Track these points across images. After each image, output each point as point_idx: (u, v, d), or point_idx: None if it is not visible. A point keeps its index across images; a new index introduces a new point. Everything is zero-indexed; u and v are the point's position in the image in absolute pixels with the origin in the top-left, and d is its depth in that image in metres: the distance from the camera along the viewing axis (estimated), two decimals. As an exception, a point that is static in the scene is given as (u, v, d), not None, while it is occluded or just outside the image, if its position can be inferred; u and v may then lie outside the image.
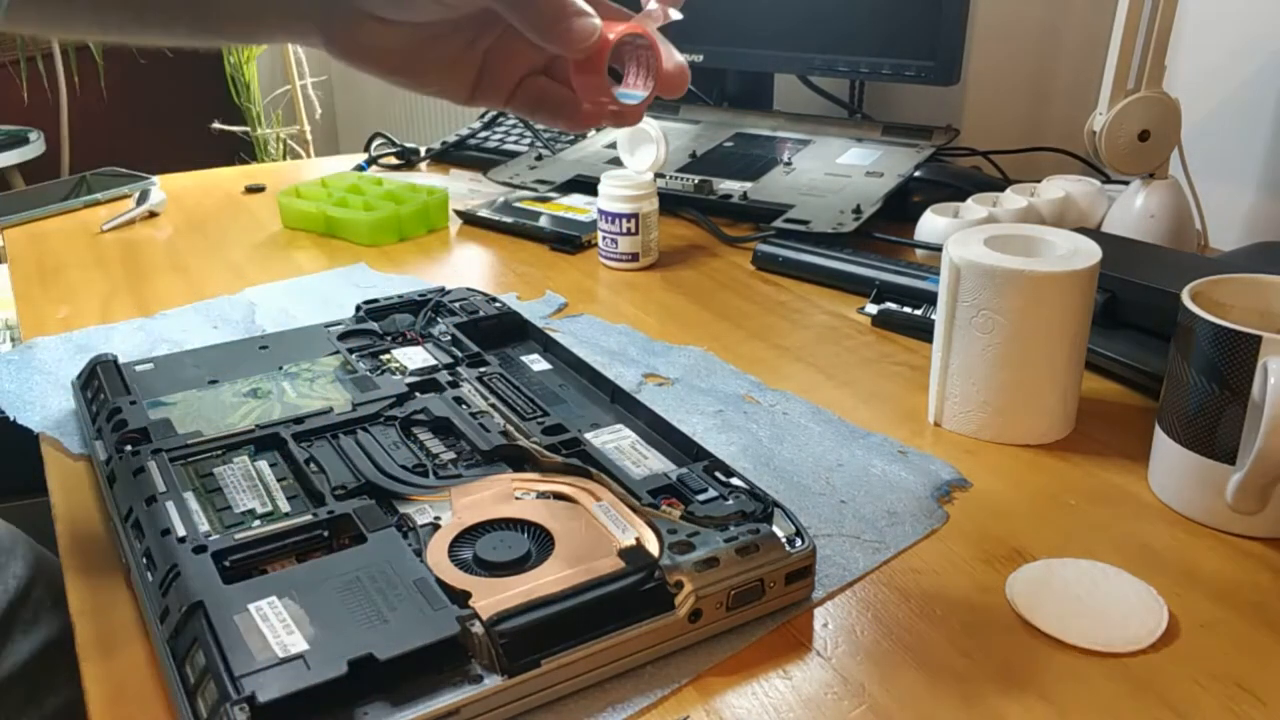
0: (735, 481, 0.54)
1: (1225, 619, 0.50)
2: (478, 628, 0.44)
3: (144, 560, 0.50)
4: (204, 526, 0.52)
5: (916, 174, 1.04)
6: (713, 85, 1.31)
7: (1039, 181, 0.98)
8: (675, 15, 0.49)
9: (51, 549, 0.63)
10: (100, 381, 0.67)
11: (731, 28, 1.14)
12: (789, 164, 1.11)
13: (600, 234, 0.95)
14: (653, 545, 0.49)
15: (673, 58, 0.49)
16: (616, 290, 0.90)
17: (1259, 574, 0.53)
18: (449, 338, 0.73)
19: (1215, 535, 0.56)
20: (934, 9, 1.01)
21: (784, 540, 0.50)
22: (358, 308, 0.78)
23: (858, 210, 0.98)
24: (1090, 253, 0.63)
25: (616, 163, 1.09)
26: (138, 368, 0.69)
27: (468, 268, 0.97)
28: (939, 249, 0.81)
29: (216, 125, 2.99)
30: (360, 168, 1.28)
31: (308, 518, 0.52)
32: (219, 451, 0.59)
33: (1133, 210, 0.89)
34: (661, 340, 0.80)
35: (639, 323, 0.84)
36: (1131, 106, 0.86)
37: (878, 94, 1.32)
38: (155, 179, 1.20)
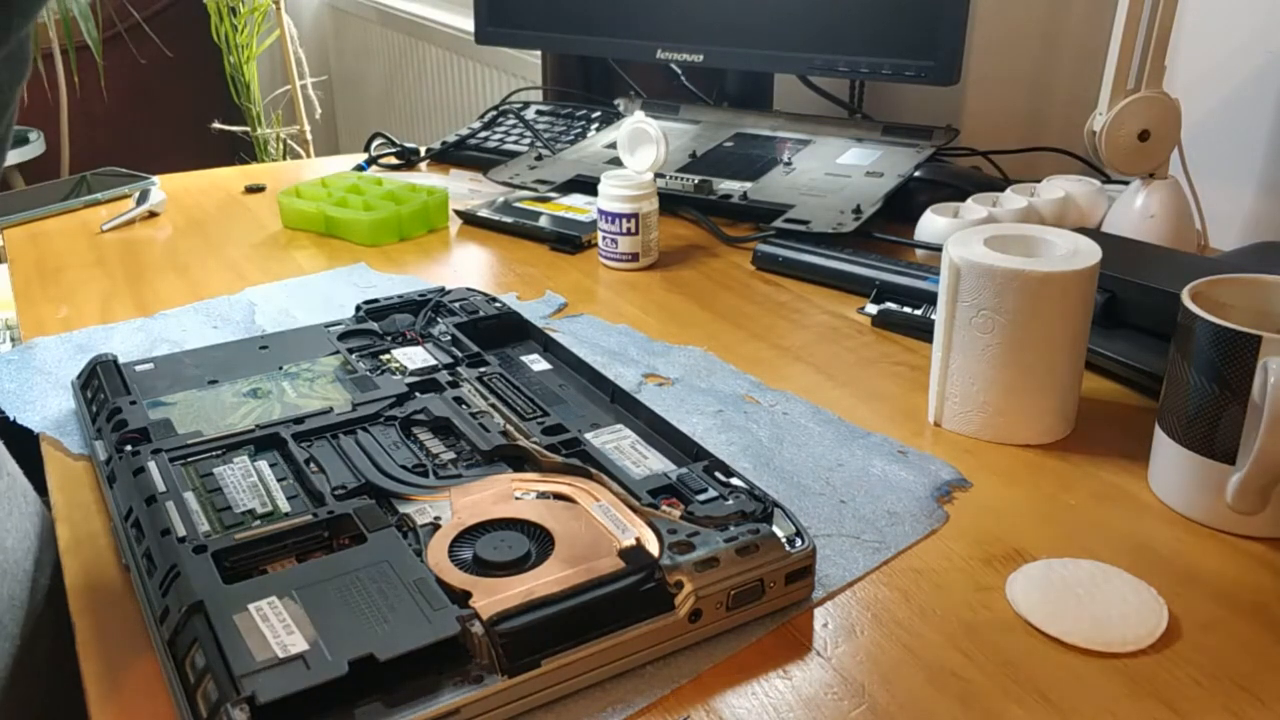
0: (735, 481, 0.54)
1: (1225, 619, 0.50)
2: (478, 628, 0.44)
3: (144, 560, 0.50)
4: (204, 526, 0.52)
5: (916, 174, 1.04)
6: (713, 85, 1.31)
7: (1039, 181, 0.98)
8: None
9: (54, 550, 0.63)
10: (100, 381, 0.67)
11: (731, 28, 1.14)
12: (789, 164, 1.11)
13: (600, 234, 0.95)
14: (653, 545, 0.49)
15: None
16: (616, 290, 0.90)
17: (1259, 574, 0.53)
18: (449, 338, 0.73)
19: (1215, 535, 0.56)
20: (934, 9, 1.01)
21: (784, 540, 0.50)
22: (358, 308, 0.78)
23: (858, 210, 0.98)
24: (1090, 253, 0.63)
25: (616, 163, 1.09)
26: (138, 368, 0.69)
27: (468, 268, 0.97)
28: (939, 249, 0.81)
29: (216, 125, 2.99)
30: (360, 168, 1.28)
31: (308, 518, 0.52)
32: (219, 451, 0.59)
33: (1133, 210, 0.89)
34: (661, 340, 0.80)
35: (639, 323, 0.84)
36: (1131, 106, 0.86)
37: (878, 94, 1.32)
38: (155, 179, 1.20)
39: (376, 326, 0.75)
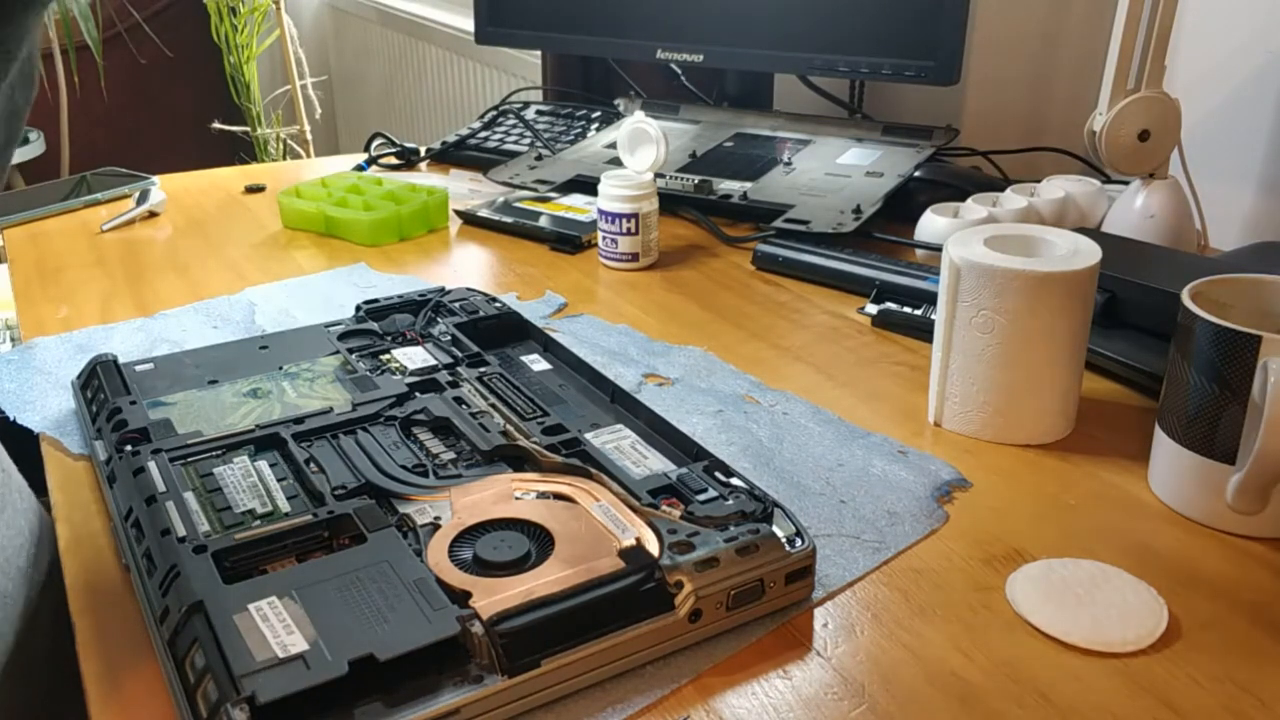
0: (735, 481, 0.54)
1: (1225, 619, 0.50)
2: (478, 628, 0.44)
3: (144, 560, 0.50)
4: (204, 526, 0.52)
5: (916, 174, 1.04)
6: (713, 85, 1.31)
7: (1039, 181, 0.98)
8: None
9: (51, 549, 0.63)
10: (100, 381, 0.67)
11: (731, 28, 1.14)
12: (789, 164, 1.11)
13: (600, 234, 0.95)
14: (653, 545, 0.49)
15: None
16: (616, 290, 0.90)
17: (1259, 574, 0.53)
18: (449, 338, 0.73)
19: (1215, 535, 0.56)
20: (934, 9, 1.00)
21: (784, 540, 0.50)
22: (358, 308, 0.78)
23: (858, 210, 0.98)
24: (1090, 253, 0.63)
25: (616, 163, 1.09)
26: (138, 368, 0.69)
27: (468, 268, 0.97)
28: (939, 249, 0.81)
29: (216, 125, 2.99)
30: (360, 168, 1.28)
31: (308, 518, 0.52)
32: (219, 451, 0.59)
33: (1133, 210, 0.89)
34: (661, 340, 0.80)
35: (639, 323, 0.84)
36: (1131, 106, 0.86)
37: (878, 94, 1.32)
38: (155, 179, 1.20)
39: (376, 326, 0.75)
